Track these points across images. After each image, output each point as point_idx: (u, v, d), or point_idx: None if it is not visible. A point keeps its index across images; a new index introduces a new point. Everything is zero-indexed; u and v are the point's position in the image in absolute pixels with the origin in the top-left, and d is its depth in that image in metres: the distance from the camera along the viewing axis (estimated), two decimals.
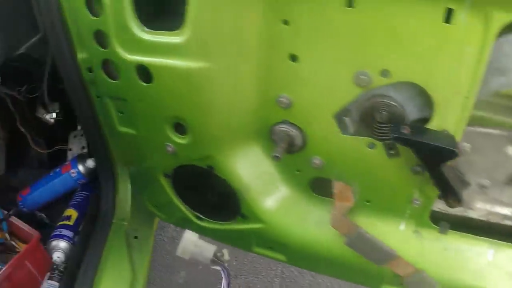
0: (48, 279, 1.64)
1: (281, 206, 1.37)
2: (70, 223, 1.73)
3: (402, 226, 1.28)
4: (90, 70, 1.38)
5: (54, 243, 1.73)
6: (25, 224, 1.76)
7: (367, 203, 1.26)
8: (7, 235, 1.81)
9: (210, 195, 1.46)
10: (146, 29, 1.11)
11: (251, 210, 1.35)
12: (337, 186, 1.24)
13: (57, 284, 1.62)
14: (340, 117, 1.11)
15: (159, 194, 1.48)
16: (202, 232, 1.52)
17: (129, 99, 1.24)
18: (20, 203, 1.96)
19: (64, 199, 1.97)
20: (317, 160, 1.21)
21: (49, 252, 1.73)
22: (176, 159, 1.30)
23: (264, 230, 1.39)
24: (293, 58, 1.05)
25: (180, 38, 1.07)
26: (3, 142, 2.01)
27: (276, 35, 1.04)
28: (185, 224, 1.53)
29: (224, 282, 1.14)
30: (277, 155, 1.16)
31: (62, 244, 1.71)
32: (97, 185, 1.87)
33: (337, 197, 1.24)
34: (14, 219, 1.81)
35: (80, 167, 1.82)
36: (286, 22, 1.01)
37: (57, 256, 1.69)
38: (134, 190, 1.60)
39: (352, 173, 1.21)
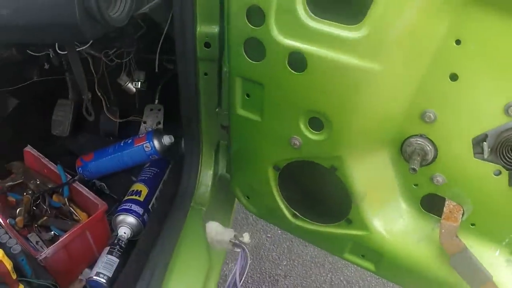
0: (108, 254, 1.54)
1: (389, 216, 1.31)
2: (140, 199, 1.62)
3: (497, 253, 1.24)
4: (206, 44, 1.33)
5: (121, 217, 1.62)
6: (91, 193, 1.64)
7: (471, 226, 1.22)
8: (66, 200, 1.68)
9: (318, 195, 1.39)
10: (313, 16, 1.02)
11: (360, 216, 1.28)
12: (449, 206, 1.19)
13: (117, 260, 1.53)
14: (478, 141, 1.07)
15: (259, 184, 1.39)
16: (292, 230, 1.45)
17: (267, 84, 1.14)
18: (80, 169, 1.84)
19: (123, 172, 1.83)
20: (439, 178, 1.16)
21: (113, 226, 1.62)
22: (298, 154, 1.21)
23: (365, 238, 1.32)
24: (453, 77, 1.01)
25: (356, 33, 0.99)
26: (72, 103, 1.87)
27: (444, 52, 0.99)
28: (275, 219, 1.45)
29: (239, 262, 1.08)
30: (415, 167, 1.11)
31: (130, 219, 1.60)
32: (165, 164, 1.76)
33: (446, 216, 1.19)
34: (78, 185, 1.68)
35: (155, 142, 1.71)
36: (458, 42, 0.97)
37: (124, 232, 1.57)
38: (230, 175, 1.48)
39: (469, 195, 1.17)
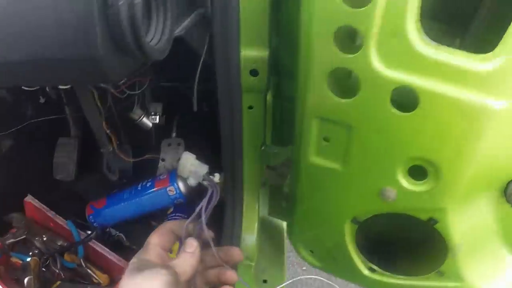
0: None
1: (490, 268, 1.06)
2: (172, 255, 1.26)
3: None
4: (253, 72, 1.04)
5: None
6: (112, 253, 1.31)
7: None
8: (82, 261, 1.34)
9: (404, 248, 1.13)
10: (429, 40, 0.74)
11: (454, 268, 1.03)
12: None
13: None
14: None
15: (330, 239, 1.12)
16: (366, 284, 1.18)
17: (360, 126, 0.85)
18: (91, 217, 1.49)
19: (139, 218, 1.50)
20: None
21: None
22: (389, 207, 0.94)
23: None
24: None
25: (486, 65, 0.72)
26: (75, 141, 1.51)
27: None
28: (345, 273, 1.20)
29: (207, 196, 0.94)
30: None
31: None
32: (192, 208, 1.42)
33: None
34: (95, 243, 1.34)
35: (180, 185, 1.38)
36: None
37: None
38: (291, 228, 1.18)
39: None
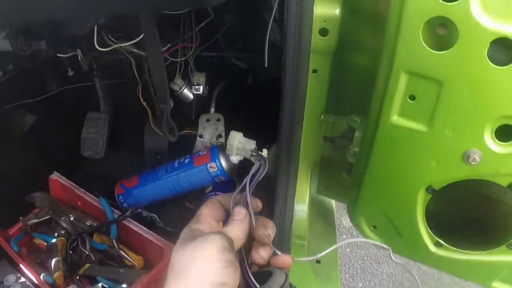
0: None
1: None
2: None
3: None
4: (322, 32, 1.05)
5: None
6: (150, 231, 1.30)
7: None
8: (114, 242, 1.34)
9: (475, 219, 1.15)
10: None
11: None
12: None
13: None
14: None
15: (399, 211, 1.12)
16: (430, 260, 1.19)
17: (450, 82, 0.86)
18: (120, 197, 1.49)
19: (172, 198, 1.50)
20: None
21: None
22: (471, 172, 0.94)
23: None
24: None
25: None
26: (106, 116, 1.51)
27: None
28: (409, 249, 1.19)
29: (255, 167, 0.95)
30: None
31: None
32: (231, 186, 1.44)
33: None
34: (130, 221, 1.34)
35: (223, 161, 1.38)
36: None
37: None
38: (352, 201, 1.18)
39: None
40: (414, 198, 1.03)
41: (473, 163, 0.91)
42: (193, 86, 1.41)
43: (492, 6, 0.77)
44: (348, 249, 2.44)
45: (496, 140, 0.90)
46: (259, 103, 1.38)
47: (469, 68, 0.82)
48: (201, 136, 1.48)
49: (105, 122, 1.51)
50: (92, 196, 1.42)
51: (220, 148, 1.41)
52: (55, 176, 1.48)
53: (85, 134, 1.52)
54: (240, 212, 0.85)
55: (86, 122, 1.52)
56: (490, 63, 0.81)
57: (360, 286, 2.35)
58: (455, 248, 1.12)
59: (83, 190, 1.44)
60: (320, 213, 1.31)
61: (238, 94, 1.42)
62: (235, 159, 1.39)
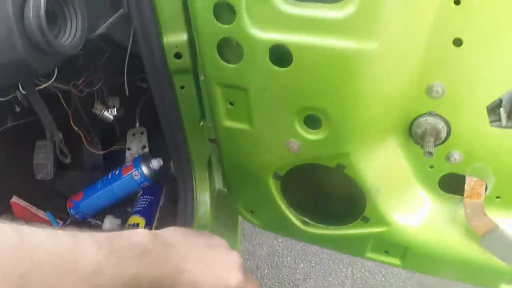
0: None
1: (408, 206, 1.13)
2: None
3: None
4: (177, 55, 1.13)
5: None
6: None
7: (497, 199, 1.05)
8: None
9: (327, 198, 1.21)
10: (292, 0, 0.83)
11: (376, 212, 1.10)
12: (470, 182, 1.03)
13: None
14: (492, 108, 0.91)
15: (261, 196, 1.20)
16: (305, 238, 1.27)
17: (251, 87, 0.95)
18: (72, 210, 1.63)
19: (115, 205, 1.62)
20: (456, 155, 0.99)
21: None
22: (297, 158, 1.02)
23: (386, 234, 1.14)
24: (457, 42, 0.83)
25: (342, 12, 0.81)
26: (51, 143, 1.65)
27: (443, 16, 0.81)
28: (284, 230, 1.26)
29: None
30: (430, 150, 0.93)
31: None
32: (159, 189, 1.55)
33: (468, 193, 1.04)
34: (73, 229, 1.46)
35: (144, 169, 1.50)
36: (457, 2, 0.79)
37: None
38: (228, 191, 1.28)
39: (490, 167, 1.01)
40: (267, 184, 1.12)
41: (293, 151, 0.99)
42: (109, 109, 1.52)
43: (260, 20, 0.87)
44: None
45: (307, 129, 0.99)
46: None
47: (260, 74, 0.92)
48: (129, 149, 1.60)
49: (50, 148, 1.63)
50: (42, 212, 1.55)
51: (142, 158, 1.52)
52: (15, 199, 1.61)
53: (36, 160, 1.66)
54: None
55: (36, 150, 1.66)
56: (275, 66, 0.89)
57: (301, 266, 2.41)
58: (320, 225, 1.20)
59: (35, 208, 1.56)
60: (226, 203, 1.40)
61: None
62: (155, 164, 1.50)
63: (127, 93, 1.20)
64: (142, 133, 1.62)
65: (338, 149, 1.00)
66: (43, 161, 1.68)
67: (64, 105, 1.49)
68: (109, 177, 1.57)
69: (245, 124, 1.02)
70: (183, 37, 1.12)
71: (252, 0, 0.84)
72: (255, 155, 1.08)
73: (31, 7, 0.85)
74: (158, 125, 1.42)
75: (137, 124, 1.64)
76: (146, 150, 1.60)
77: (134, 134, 1.62)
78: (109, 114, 1.53)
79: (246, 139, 1.05)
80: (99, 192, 1.59)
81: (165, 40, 1.11)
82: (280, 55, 0.89)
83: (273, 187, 1.13)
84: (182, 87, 1.20)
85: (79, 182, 1.70)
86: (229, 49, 0.94)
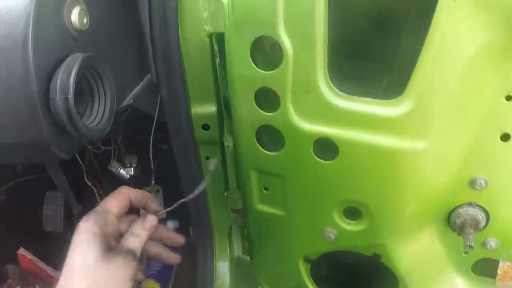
0: None
1: None
2: None
3: None
4: (204, 127, 1.09)
5: None
6: None
7: None
8: None
9: (358, 281, 1.16)
10: (340, 93, 0.77)
11: None
12: (504, 267, 1.00)
13: None
14: None
15: (289, 277, 1.13)
16: None
17: (289, 176, 0.87)
18: None
19: None
20: (492, 242, 0.95)
21: None
22: (333, 245, 0.96)
23: None
24: (505, 137, 0.79)
25: (396, 110, 0.75)
26: (62, 194, 1.56)
27: (494, 112, 0.77)
28: None
29: None
30: (471, 244, 0.88)
31: None
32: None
33: (501, 277, 1.00)
34: None
35: None
36: (509, 98, 0.75)
37: None
38: (252, 264, 1.21)
39: None
40: (297, 266, 1.05)
41: (330, 239, 0.92)
42: (125, 168, 1.43)
43: (306, 112, 0.80)
44: None
45: (346, 220, 0.92)
46: None
47: (300, 165, 0.85)
48: (144, 208, 1.50)
49: (61, 200, 1.54)
50: (51, 269, 1.46)
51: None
52: (22, 251, 1.52)
53: (46, 211, 1.56)
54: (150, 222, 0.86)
55: (45, 201, 1.56)
56: (318, 159, 0.81)
57: None
58: None
59: (44, 264, 1.47)
60: (246, 270, 1.32)
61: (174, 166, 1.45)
62: (171, 226, 1.42)
63: (151, 156, 1.10)
64: (157, 191, 1.53)
65: (376, 240, 0.94)
66: (53, 213, 1.58)
67: (79, 160, 1.40)
68: None
69: (280, 210, 0.95)
70: (212, 108, 1.07)
71: (299, 89, 0.76)
72: (287, 239, 1.02)
73: (57, 87, 0.74)
74: (174, 185, 1.35)
75: (153, 182, 1.55)
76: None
77: (149, 192, 1.52)
78: (125, 173, 1.43)
79: (279, 224, 0.98)
80: None
81: (193, 110, 1.04)
82: (324, 147, 0.81)
83: (303, 270, 1.05)
84: (207, 158, 1.13)
85: None
86: (268, 135, 0.86)
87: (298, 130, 0.80)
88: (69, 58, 0.74)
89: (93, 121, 0.84)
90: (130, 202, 0.88)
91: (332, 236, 0.93)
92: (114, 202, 0.86)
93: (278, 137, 0.84)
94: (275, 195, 0.93)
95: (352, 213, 0.90)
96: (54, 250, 1.55)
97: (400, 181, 0.83)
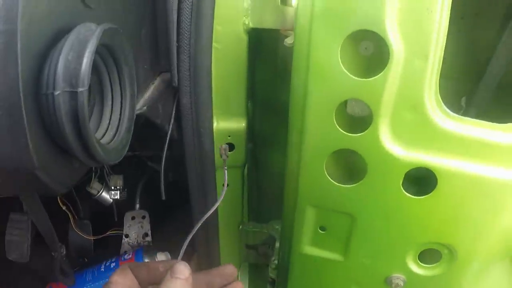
0: None
1: None
2: None
3: None
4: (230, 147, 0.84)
5: None
6: None
7: None
8: None
9: None
10: (451, 113, 0.58)
11: None
12: None
13: None
14: None
15: None
16: None
17: (361, 215, 0.65)
18: None
19: None
20: None
21: None
22: None
23: None
24: None
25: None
26: (29, 218, 1.24)
27: None
28: None
29: None
30: None
31: None
32: None
33: None
34: None
35: None
36: None
37: None
38: None
39: None
40: None
41: (388, 286, 0.69)
42: (110, 191, 1.14)
43: (405, 134, 0.58)
44: None
45: (420, 264, 0.71)
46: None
47: (384, 201, 0.63)
48: (126, 236, 1.22)
49: (28, 224, 1.21)
50: None
51: (145, 250, 1.15)
52: None
53: (9, 236, 1.23)
54: (182, 271, 0.56)
55: (9, 223, 1.23)
56: (407, 194, 0.58)
57: None
58: None
59: None
60: None
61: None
62: (161, 259, 1.13)
63: (162, 196, 0.84)
64: (143, 217, 1.25)
65: (452, 285, 0.74)
66: (18, 239, 1.26)
67: None
68: (102, 269, 1.19)
69: (336, 254, 0.73)
70: (240, 124, 0.81)
71: (401, 105, 0.55)
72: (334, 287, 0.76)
73: (58, 73, 0.42)
74: (162, 210, 1.08)
75: (137, 206, 1.26)
76: (149, 239, 1.23)
77: (133, 218, 1.24)
78: (111, 196, 1.15)
79: (332, 271, 0.76)
80: (89, 285, 1.19)
81: (215, 124, 0.78)
82: (417, 181, 0.59)
83: None
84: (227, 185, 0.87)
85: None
86: (341, 163, 0.62)
87: (389, 156, 0.58)
88: (79, 28, 0.45)
89: (104, 134, 0.56)
90: None
91: (401, 283, 0.71)
92: None
93: (356, 166, 0.60)
94: (334, 236, 0.71)
95: (428, 256, 0.71)
96: (20, 278, 1.25)
97: (494, 217, 0.65)
